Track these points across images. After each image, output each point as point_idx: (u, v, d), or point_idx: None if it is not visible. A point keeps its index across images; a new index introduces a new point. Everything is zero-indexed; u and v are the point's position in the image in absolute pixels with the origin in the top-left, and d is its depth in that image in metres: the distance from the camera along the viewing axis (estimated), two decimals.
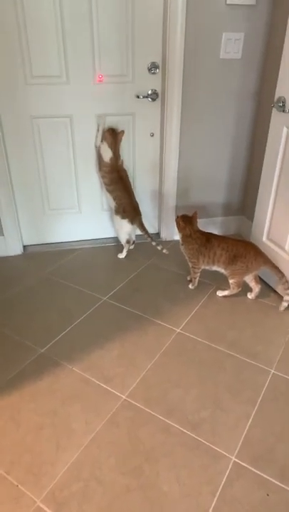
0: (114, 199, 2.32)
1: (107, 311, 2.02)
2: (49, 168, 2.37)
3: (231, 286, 2.07)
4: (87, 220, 2.59)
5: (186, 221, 2.04)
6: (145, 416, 1.47)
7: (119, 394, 1.55)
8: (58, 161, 2.36)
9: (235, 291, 2.08)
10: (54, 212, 2.52)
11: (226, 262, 2.00)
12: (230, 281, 2.06)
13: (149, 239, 2.34)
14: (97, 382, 1.60)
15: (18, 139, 2.24)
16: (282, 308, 2.01)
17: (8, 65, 2.04)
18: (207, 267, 2.09)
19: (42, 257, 2.47)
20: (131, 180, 2.37)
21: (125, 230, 2.38)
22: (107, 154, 2.24)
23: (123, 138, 2.26)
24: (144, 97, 2.27)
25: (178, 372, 1.66)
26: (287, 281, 1.96)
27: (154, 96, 2.27)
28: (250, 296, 2.12)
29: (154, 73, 2.22)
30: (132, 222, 2.35)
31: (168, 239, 2.68)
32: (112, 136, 2.22)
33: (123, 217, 2.33)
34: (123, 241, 2.44)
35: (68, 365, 1.69)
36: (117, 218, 2.36)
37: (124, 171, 2.32)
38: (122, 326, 1.92)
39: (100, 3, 2.00)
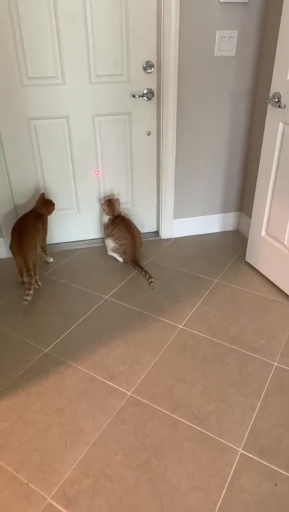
0: (115, 241, 2.36)
1: (109, 309, 2.03)
2: (47, 169, 2.38)
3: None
4: (86, 220, 2.60)
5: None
6: (151, 412, 1.48)
7: (124, 391, 1.56)
8: (56, 162, 2.37)
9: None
10: (53, 213, 2.52)
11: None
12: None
13: (144, 273, 2.28)
14: (103, 379, 1.61)
15: (16, 141, 2.25)
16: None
17: (3, 67, 2.05)
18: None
19: (42, 258, 2.48)
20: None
21: (115, 255, 2.45)
22: (106, 218, 2.44)
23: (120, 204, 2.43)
24: (139, 96, 2.28)
25: (182, 367, 1.67)
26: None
27: (149, 95, 2.29)
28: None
29: (149, 72, 2.24)
30: (124, 261, 2.41)
31: (167, 237, 2.70)
32: (109, 207, 2.39)
33: (120, 256, 2.39)
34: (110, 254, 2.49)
35: (73, 363, 1.69)
36: (109, 242, 2.42)
37: (125, 215, 2.44)
38: (124, 323, 1.93)
39: (94, 4, 2.01)
